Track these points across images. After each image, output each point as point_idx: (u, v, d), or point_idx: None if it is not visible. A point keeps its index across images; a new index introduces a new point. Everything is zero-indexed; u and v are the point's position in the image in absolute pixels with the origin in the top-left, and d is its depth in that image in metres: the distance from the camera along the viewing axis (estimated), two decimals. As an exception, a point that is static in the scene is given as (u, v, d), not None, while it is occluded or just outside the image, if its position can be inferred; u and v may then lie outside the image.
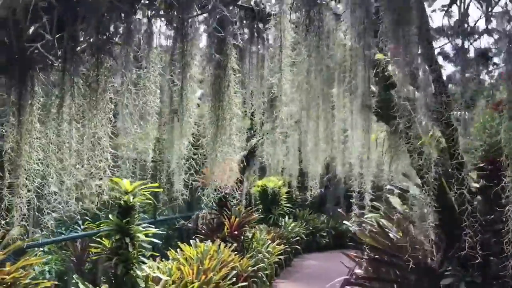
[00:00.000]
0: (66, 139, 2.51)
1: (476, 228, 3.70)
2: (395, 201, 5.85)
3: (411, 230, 5.29)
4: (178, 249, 7.20)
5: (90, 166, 2.51)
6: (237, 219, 8.81)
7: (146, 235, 5.39)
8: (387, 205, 5.68)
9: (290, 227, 12.46)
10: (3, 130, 2.59)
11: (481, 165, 4.12)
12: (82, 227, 7.91)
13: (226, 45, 2.59)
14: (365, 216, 7.06)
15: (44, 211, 2.58)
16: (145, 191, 5.50)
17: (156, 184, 5.64)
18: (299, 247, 12.52)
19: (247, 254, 8.39)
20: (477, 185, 4.35)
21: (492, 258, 3.98)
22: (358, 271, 5.52)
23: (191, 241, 7.61)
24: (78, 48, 2.51)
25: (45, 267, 7.14)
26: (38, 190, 2.62)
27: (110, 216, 5.44)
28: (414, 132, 3.92)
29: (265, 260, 8.83)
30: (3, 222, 2.54)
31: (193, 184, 3.71)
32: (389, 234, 5.28)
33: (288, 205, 12.94)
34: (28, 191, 2.53)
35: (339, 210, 6.46)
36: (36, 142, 2.56)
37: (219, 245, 7.45)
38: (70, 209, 2.58)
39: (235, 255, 7.50)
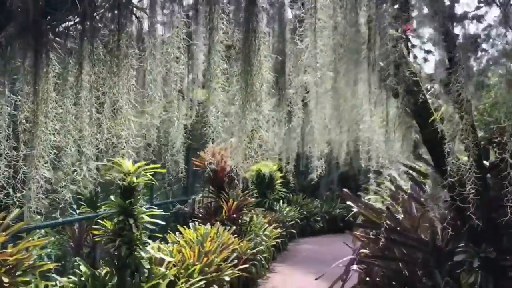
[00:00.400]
0: (86, 108, 2.39)
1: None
2: (399, 180, 5.84)
3: (414, 209, 5.29)
4: (177, 232, 7.12)
5: (112, 136, 2.41)
6: (235, 203, 8.76)
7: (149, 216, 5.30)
8: (392, 184, 5.66)
9: (285, 212, 12.47)
10: (18, 100, 2.46)
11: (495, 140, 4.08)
12: (77, 211, 7.78)
13: (256, 6, 2.47)
14: (366, 198, 7.06)
15: (62, 185, 2.47)
16: (147, 172, 5.39)
17: (158, 165, 5.54)
18: (294, 231, 12.55)
19: (245, 237, 8.35)
20: (487, 163, 4.33)
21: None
22: (363, 250, 5.51)
23: (191, 224, 7.55)
24: (96, 13, 2.39)
25: (42, 251, 7.00)
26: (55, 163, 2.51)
27: (112, 197, 5.32)
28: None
29: (263, 243, 8.81)
30: (19, 195, 2.43)
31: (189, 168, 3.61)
32: (395, 214, 5.27)
33: (283, 189, 12.92)
34: (45, 162, 2.42)
35: (345, 190, 6.40)
36: (52, 112, 2.44)
37: (219, 228, 7.39)
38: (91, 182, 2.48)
39: (235, 238, 7.46)
